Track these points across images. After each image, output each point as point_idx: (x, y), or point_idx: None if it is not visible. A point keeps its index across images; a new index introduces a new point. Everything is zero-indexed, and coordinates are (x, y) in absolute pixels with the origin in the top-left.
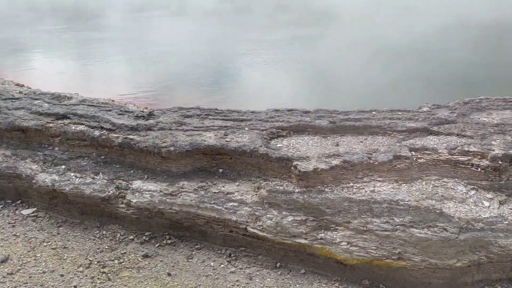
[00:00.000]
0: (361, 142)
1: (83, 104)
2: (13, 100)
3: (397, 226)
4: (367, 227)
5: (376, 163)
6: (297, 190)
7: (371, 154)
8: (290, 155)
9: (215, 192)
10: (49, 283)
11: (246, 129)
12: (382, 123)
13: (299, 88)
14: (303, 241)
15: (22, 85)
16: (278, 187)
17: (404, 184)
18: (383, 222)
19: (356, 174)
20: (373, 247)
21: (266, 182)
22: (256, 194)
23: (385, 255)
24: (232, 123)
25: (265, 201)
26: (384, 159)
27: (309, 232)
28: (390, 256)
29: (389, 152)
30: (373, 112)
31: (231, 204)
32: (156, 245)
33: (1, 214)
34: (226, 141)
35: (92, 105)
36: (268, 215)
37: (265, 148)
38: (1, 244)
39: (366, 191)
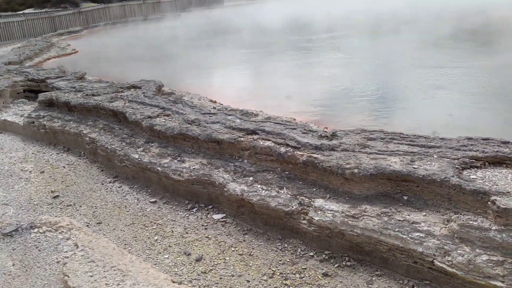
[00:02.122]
0: None
1: (269, 122)
2: (210, 115)
3: None
4: None
5: None
6: (494, 228)
7: None
8: (487, 188)
9: (400, 220)
10: (237, 286)
11: (435, 156)
12: None
13: (491, 115)
14: (499, 283)
15: (215, 101)
16: (471, 222)
17: None
18: None
19: None
20: None
21: (457, 215)
22: (445, 227)
23: None
24: (419, 149)
25: (455, 236)
26: None
27: (507, 275)
28: None
29: None
30: None
31: (417, 234)
32: (336, 265)
33: (196, 216)
34: (414, 167)
35: (278, 123)
36: (458, 251)
37: (457, 179)
38: (196, 244)
39: None
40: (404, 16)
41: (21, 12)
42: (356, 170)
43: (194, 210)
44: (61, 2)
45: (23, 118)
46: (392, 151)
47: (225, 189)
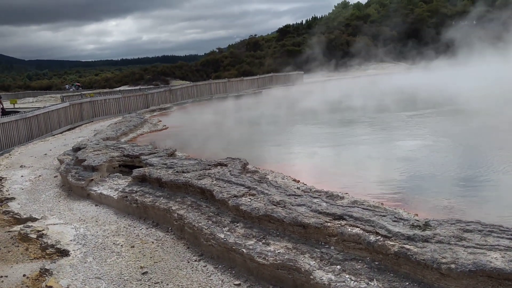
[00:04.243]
0: None
1: (357, 207)
2: (296, 197)
3: None
4: None
5: None
6: None
7: None
8: None
9: None
10: None
11: None
12: None
13: None
14: None
15: (298, 181)
16: None
17: None
18: None
19: None
20: None
21: None
22: None
23: None
24: None
25: None
26: None
27: None
28: None
29: None
30: None
31: None
32: None
33: None
34: None
35: (366, 209)
36: None
37: None
38: None
39: None
40: None
41: (118, 89)
42: (453, 266)
43: None
44: (153, 80)
45: (117, 192)
46: (491, 246)
47: (311, 277)
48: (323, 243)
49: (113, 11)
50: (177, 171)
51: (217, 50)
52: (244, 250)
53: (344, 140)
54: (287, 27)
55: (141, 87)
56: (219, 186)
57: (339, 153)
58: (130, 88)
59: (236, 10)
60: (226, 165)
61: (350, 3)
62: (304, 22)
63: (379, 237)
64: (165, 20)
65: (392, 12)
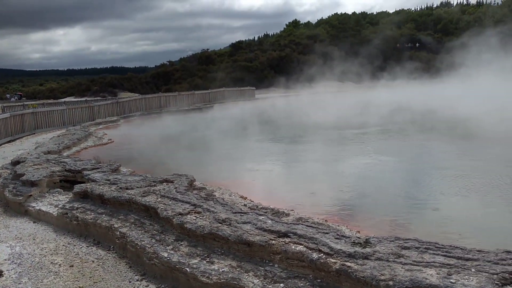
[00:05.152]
0: None
1: (302, 224)
2: (242, 214)
3: None
4: None
5: None
6: None
7: None
8: None
9: None
10: None
11: (473, 270)
12: None
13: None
14: None
15: (245, 198)
16: None
17: None
18: None
19: None
20: None
21: None
22: None
23: None
24: (456, 261)
25: None
26: None
27: None
28: None
29: None
30: None
31: None
32: None
33: None
34: (451, 282)
35: (310, 226)
36: None
37: None
38: None
39: None
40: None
41: (63, 100)
42: (391, 282)
43: None
44: (100, 91)
45: (57, 208)
46: (427, 263)
47: None
48: (267, 261)
49: (61, 20)
50: (120, 188)
51: (167, 63)
52: (187, 269)
53: (294, 156)
54: (239, 42)
55: (88, 99)
56: (164, 204)
57: (288, 169)
58: (76, 99)
59: (189, 23)
60: (172, 182)
61: (301, 22)
62: (256, 38)
63: (322, 254)
64: (116, 30)
65: (340, 32)
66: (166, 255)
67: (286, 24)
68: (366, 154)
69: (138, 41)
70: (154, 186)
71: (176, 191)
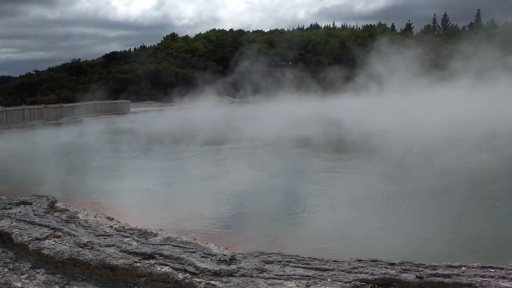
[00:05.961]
0: None
1: (168, 244)
2: (105, 237)
3: None
4: None
5: None
6: None
7: None
8: None
9: None
10: None
11: (329, 280)
12: (473, 281)
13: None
14: None
15: (112, 219)
16: None
17: None
18: None
19: None
20: None
21: None
22: None
23: None
24: (314, 273)
25: None
26: None
27: None
28: None
29: None
30: (463, 268)
31: None
32: None
33: None
34: None
35: (177, 246)
36: None
37: None
38: None
39: None
40: None
41: None
42: None
43: None
44: None
45: None
46: (288, 275)
47: None
48: (132, 285)
49: None
50: None
51: (34, 73)
52: None
53: (169, 174)
54: (114, 53)
55: None
56: (19, 228)
57: (162, 187)
58: None
59: (59, 31)
60: (30, 204)
61: (179, 36)
62: (132, 50)
63: (187, 274)
64: None
65: (219, 48)
66: (19, 285)
67: (163, 37)
68: (241, 170)
69: (0, 48)
70: (9, 209)
71: (34, 214)
